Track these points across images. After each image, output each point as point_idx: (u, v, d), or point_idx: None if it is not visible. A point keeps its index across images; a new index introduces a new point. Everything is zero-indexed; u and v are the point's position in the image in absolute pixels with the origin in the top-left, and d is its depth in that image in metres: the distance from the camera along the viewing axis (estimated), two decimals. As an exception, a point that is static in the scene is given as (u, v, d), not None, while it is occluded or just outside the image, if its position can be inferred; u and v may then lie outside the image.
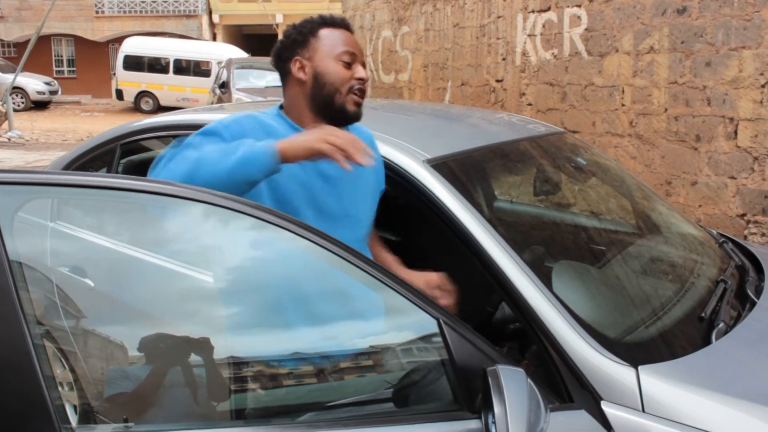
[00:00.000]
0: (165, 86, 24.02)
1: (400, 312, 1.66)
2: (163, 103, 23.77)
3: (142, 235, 1.80)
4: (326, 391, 1.71)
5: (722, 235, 2.85)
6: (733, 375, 1.79)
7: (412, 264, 2.21)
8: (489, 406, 1.43)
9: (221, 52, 22.90)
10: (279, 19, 28.06)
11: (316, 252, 1.63)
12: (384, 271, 1.63)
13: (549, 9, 6.12)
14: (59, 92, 27.13)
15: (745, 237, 4.38)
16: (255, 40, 31.66)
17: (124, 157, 2.87)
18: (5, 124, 16.39)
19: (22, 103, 24.89)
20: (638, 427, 1.58)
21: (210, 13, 29.58)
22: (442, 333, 1.56)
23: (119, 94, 24.86)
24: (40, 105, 25.97)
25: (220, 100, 13.97)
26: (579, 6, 5.74)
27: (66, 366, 1.56)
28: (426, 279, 2.00)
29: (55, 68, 31.31)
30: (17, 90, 23.52)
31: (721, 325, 1.93)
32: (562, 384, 1.69)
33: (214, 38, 29.41)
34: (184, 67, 24.16)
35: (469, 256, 1.91)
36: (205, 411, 1.67)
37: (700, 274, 2.31)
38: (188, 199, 1.62)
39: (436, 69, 8.39)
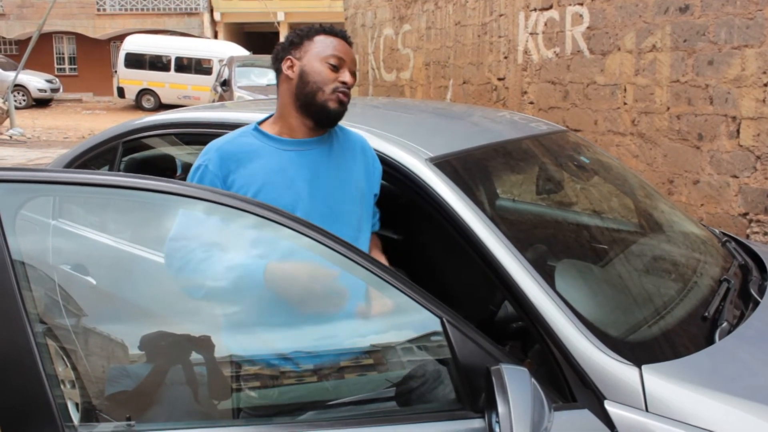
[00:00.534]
0: (166, 84, 24.02)
1: (403, 310, 1.66)
2: (164, 100, 23.78)
3: (144, 233, 1.81)
4: (329, 389, 1.71)
5: (725, 234, 2.84)
6: (737, 374, 1.79)
7: (414, 263, 2.21)
8: (492, 405, 1.43)
9: (222, 50, 22.90)
10: (280, 17, 28.05)
11: (318, 250, 1.63)
12: (388, 270, 1.63)
13: (551, 7, 6.11)
14: (60, 90, 27.13)
15: (748, 236, 4.37)
16: (256, 38, 31.66)
17: (126, 155, 2.87)
18: (7, 122, 16.39)
19: (24, 100, 24.90)
20: (641, 426, 1.58)
21: (211, 11, 29.56)
22: (445, 332, 1.56)
23: (120, 92, 24.86)
24: (41, 103, 25.98)
25: (221, 98, 13.98)
26: (581, 4, 5.73)
27: (68, 364, 1.56)
28: None
29: (56, 66, 31.31)
30: (19, 88, 23.52)
31: (725, 324, 1.93)
32: (565, 383, 1.68)
33: (215, 36, 29.41)
34: (185, 65, 24.16)
35: (471, 255, 1.91)
36: (207, 409, 1.67)
37: (703, 273, 2.31)
38: (190, 197, 1.62)
39: (437, 67, 8.38)
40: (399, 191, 2.16)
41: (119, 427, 1.50)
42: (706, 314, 1.98)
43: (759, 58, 4.27)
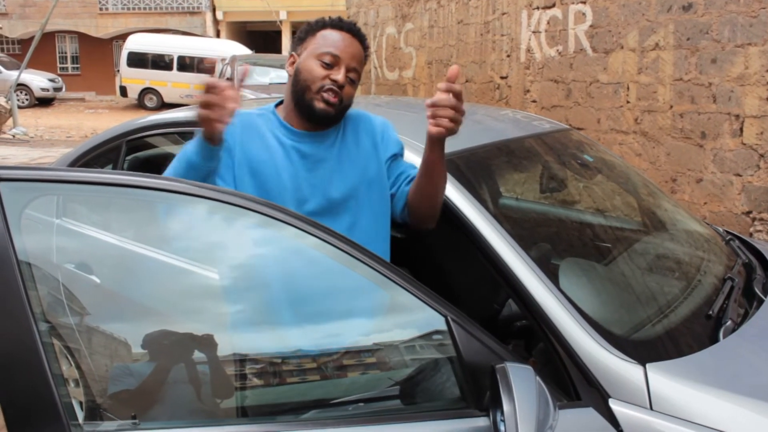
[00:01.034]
0: (169, 83, 24.04)
1: (408, 309, 1.66)
2: (166, 99, 23.80)
3: (148, 232, 1.80)
4: (333, 388, 1.71)
5: (729, 233, 2.84)
6: (741, 373, 1.79)
7: (418, 262, 2.20)
8: (497, 404, 1.43)
9: (225, 48, 22.90)
10: (282, 15, 28.05)
11: (322, 248, 1.63)
12: (392, 268, 1.63)
13: (554, 6, 6.11)
14: (63, 89, 27.16)
15: (751, 234, 4.36)
16: (259, 37, 31.68)
17: (129, 153, 2.87)
18: (9, 121, 16.41)
19: (26, 99, 24.93)
20: (646, 424, 1.58)
21: (214, 9, 29.57)
22: (450, 330, 1.56)
23: (123, 91, 24.88)
24: (44, 102, 26.01)
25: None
26: (584, 2, 5.72)
27: (72, 363, 1.56)
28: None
29: (59, 65, 31.35)
30: (21, 87, 23.56)
31: (729, 322, 1.93)
32: (569, 382, 1.68)
33: (217, 35, 29.42)
34: (187, 64, 24.17)
35: (475, 253, 1.91)
36: (210, 408, 1.66)
37: (707, 272, 2.31)
38: (194, 195, 1.62)
39: (440, 66, 8.38)
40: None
41: (124, 425, 1.50)
42: (710, 313, 1.98)
43: (762, 57, 4.26)
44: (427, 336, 1.68)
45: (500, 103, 7.00)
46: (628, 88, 5.32)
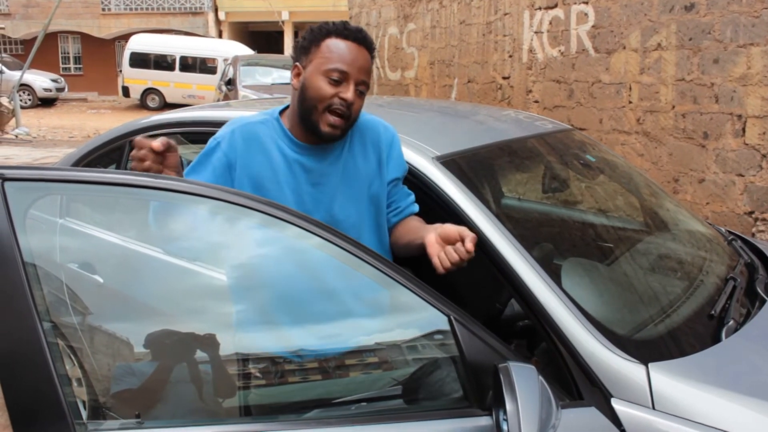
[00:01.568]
0: (171, 83, 24.06)
1: (411, 308, 1.66)
2: (169, 100, 23.82)
3: (151, 232, 1.81)
4: (335, 387, 1.72)
5: (731, 233, 2.84)
6: (743, 372, 1.79)
7: (420, 262, 2.21)
8: (500, 403, 1.43)
9: (227, 49, 22.91)
10: (284, 16, 28.06)
11: (326, 248, 1.64)
12: (395, 268, 1.63)
13: (556, 6, 6.11)
14: (66, 89, 27.21)
15: (753, 235, 4.36)
16: (261, 37, 31.67)
17: (132, 153, 2.87)
18: (12, 121, 16.43)
19: (29, 100, 24.97)
20: (648, 424, 1.58)
21: (216, 10, 29.59)
22: (453, 330, 1.56)
23: (125, 91, 24.90)
24: (46, 102, 26.04)
25: (226, 97, 13.98)
26: (586, 3, 5.72)
27: (75, 362, 1.57)
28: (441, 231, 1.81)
29: (61, 65, 31.40)
30: (24, 87, 23.57)
31: (731, 322, 1.93)
32: (571, 381, 1.69)
33: (220, 35, 29.44)
34: (190, 65, 24.19)
35: (478, 253, 1.91)
36: (213, 407, 1.67)
37: (709, 272, 2.31)
38: (197, 195, 1.63)
39: (442, 66, 8.38)
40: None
41: (127, 424, 1.51)
42: (713, 312, 1.98)
43: (765, 57, 4.26)
44: (429, 335, 1.68)
45: (502, 104, 7.00)
46: (630, 89, 5.31)
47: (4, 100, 16.13)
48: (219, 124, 2.55)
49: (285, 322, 1.79)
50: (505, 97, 6.97)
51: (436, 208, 2.03)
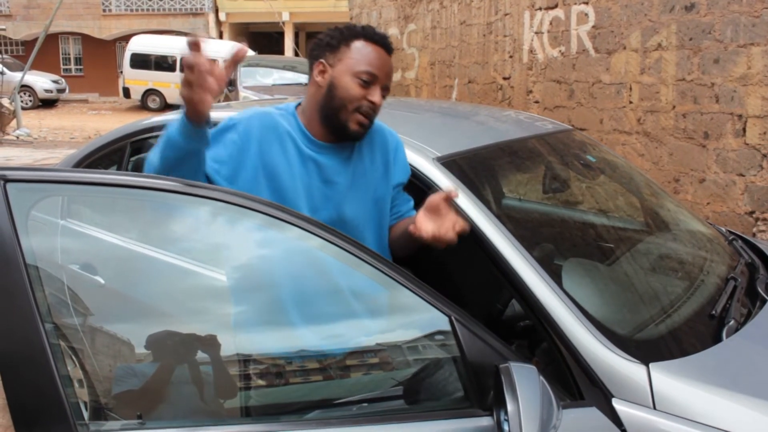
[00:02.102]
0: (172, 84, 24.05)
1: (412, 309, 1.66)
2: (170, 100, 23.82)
3: (153, 233, 1.81)
4: (336, 388, 1.72)
5: (732, 233, 2.84)
6: (744, 372, 1.79)
7: (421, 262, 2.21)
8: (501, 403, 1.43)
9: (228, 50, 22.87)
10: (285, 17, 28.06)
11: (327, 249, 1.64)
12: (396, 269, 1.64)
13: (556, 6, 6.11)
14: (67, 90, 27.22)
15: (754, 234, 4.36)
16: (261, 38, 31.67)
17: (134, 155, 2.88)
18: (13, 122, 16.43)
19: (30, 101, 24.98)
20: (649, 424, 1.58)
21: (216, 11, 29.61)
22: (453, 330, 1.56)
23: (126, 92, 24.91)
24: (47, 103, 26.06)
25: (227, 98, 13.96)
26: (586, 3, 5.72)
27: (76, 363, 1.57)
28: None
29: (62, 66, 31.43)
30: (25, 88, 23.57)
31: (732, 322, 1.93)
32: (572, 381, 1.69)
33: (220, 36, 29.44)
34: (190, 65, 24.17)
35: (479, 254, 1.91)
36: (214, 407, 1.67)
37: (710, 272, 2.31)
38: (199, 196, 1.63)
39: (443, 67, 8.39)
40: (406, 190, 2.17)
41: (129, 424, 1.51)
42: (714, 312, 1.98)
43: (765, 57, 4.26)
44: (430, 336, 1.68)
45: (503, 104, 7.00)
46: (630, 89, 5.32)
47: (5, 101, 16.13)
48: (219, 125, 2.56)
49: (286, 323, 1.79)
50: (505, 97, 6.98)
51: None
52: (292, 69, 15.10)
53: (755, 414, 1.58)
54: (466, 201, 1.97)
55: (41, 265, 1.51)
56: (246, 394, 1.68)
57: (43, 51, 19.73)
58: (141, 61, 24.31)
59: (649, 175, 3.95)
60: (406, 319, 1.74)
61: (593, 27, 5.67)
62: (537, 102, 6.45)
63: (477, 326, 1.59)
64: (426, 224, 1.77)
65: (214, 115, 2.76)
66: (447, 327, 1.58)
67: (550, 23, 6.20)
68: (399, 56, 9.53)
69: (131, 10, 29.79)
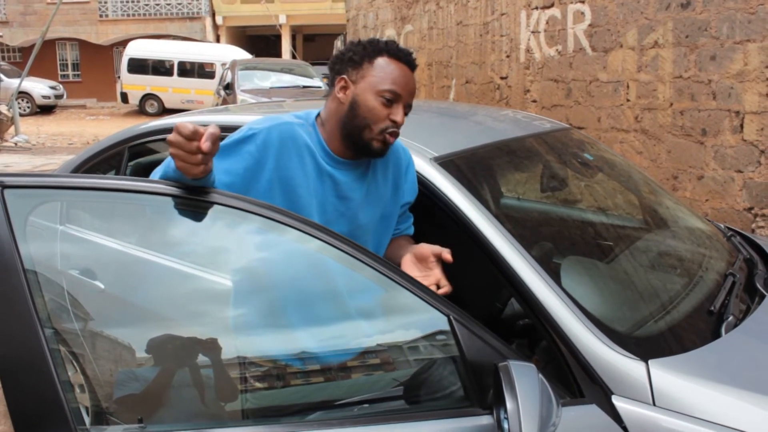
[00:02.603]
0: (170, 88, 24.06)
1: (411, 309, 1.67)
2: (167, 105, 23.82)
3: (152, 237, 1.81)
4: (337, 389, 1.72)
5: (730, 229, 2.85)
6: (744, 367, 1.79)
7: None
8: (501, 402, 1.44)
9: (225, 53, 22.92)
10: (282, 20, 28.09)
11: (326, 251, 1.65)
12: (395, 269, 1.64)
13: (552, 5, 6.12)
14: (64, 96, 27.22)
15: (753, 230, 4.37)
16: (259, 42, 31.73)
17: (132, 159, 2.88)
18: (11, 129, 16.43)
19: (28, 107, 24.97)
20: (649, 420, 1.58)
21: (213, 15, 29.61)
22: (452, 329, 1.57)
23: (124, 97, 24.91)
24: (45, 109, 26.04)
25: (224, 102, 13.98)
26: (582, 2, 5.73)
27: (77, 368, 1.57)
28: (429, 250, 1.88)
29: (60, 72, 31.42)
30: (23, 94, 23.58)
31: (731, 318, 1.93)
32: (572, 379, 1.69)
33: (217, 40, 29.46)
34: (188, 70, 24.19)
35: (477, 253, 1.91)
36: (215, 410, 1.67)
37: (709, 268, 2.31)
38: (197, 200, 1.63)
39: (440, 67, 8.39)
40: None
41: (130, 429, 1.51)
42: (712, 308, 1.99)
43: (761, 53, 4.27)
44: (430, 336, 1.69)
45: (500, 104, 7.01)
46: (627, 87, 5.32)
47: (3, 108, 16.13)
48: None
49: (286, 325, 1.79)
50: (503, 97, 6.98)
51: (435, 209, 2.03)
52: (290, 72, 15.11)
53: (754, 409, 1.58)
54: (464, 201, 1.97)
55: (40, 270, 1.51)
56: (247, 396, 1.68)
57: (40, 57, 19.77)
58: (138, 66, 24.31)
59: (648, 173, 3.96)
60: (405, 319, 1.74)
61: (590, 25, 5.68)
62: (534, 101, 6.46)
63: (476, 325, 1.60)
64: (410, 270, 1.81)
65: (213, 119, 2.77)
66: (446, 327, 1.59)
67: (547, 22, 6.21)
68: (396, 57, 9.52)
69: (128, 15, 29.80)
